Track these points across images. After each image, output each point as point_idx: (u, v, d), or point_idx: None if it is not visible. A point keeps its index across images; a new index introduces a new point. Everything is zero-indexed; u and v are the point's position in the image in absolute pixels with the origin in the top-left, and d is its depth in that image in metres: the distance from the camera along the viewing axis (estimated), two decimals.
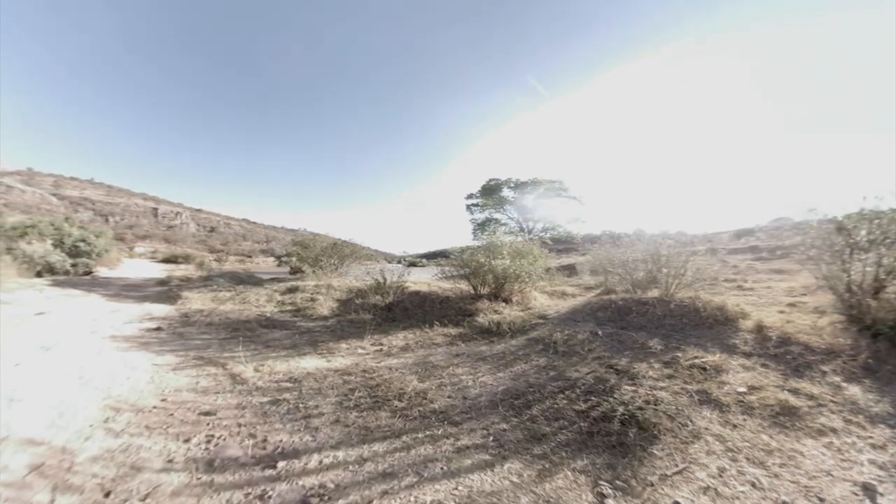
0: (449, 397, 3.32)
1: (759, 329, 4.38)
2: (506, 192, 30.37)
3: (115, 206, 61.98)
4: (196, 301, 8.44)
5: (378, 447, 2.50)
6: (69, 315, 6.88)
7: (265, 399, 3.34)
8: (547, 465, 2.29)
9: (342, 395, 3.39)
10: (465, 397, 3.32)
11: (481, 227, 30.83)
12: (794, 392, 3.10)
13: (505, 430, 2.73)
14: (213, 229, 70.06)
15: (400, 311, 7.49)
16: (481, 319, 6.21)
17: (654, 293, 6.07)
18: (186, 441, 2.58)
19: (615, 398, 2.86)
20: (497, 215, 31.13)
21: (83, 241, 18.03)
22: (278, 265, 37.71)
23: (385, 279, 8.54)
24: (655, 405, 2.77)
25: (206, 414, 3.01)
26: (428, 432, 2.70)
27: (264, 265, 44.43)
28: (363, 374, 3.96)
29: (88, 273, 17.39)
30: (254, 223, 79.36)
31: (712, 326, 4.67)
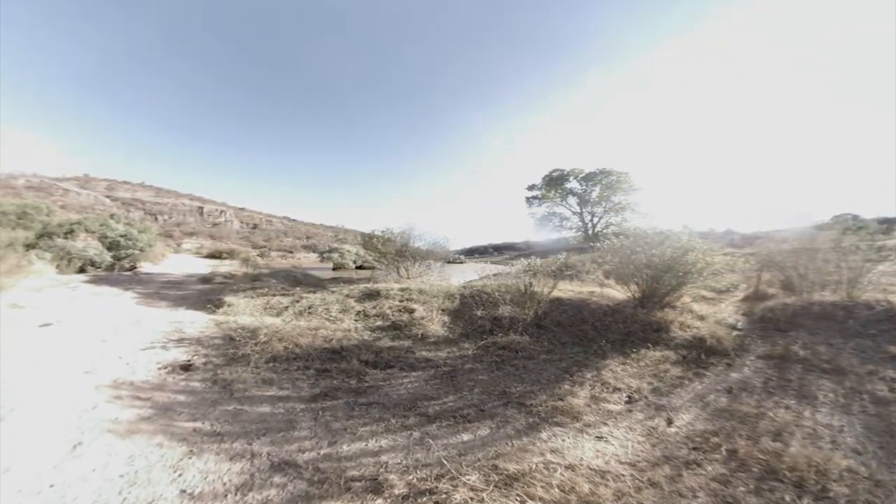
0: None
1: None
2: (571, 184, 27.76)
3: (163, 206, 63.78)
4: (243, 309, 6.26)
5: None
6: (75, 331, 4.99)
7: None
8: None
9: None
10: None
11: (543, 222, 28.40)
12: None
13: None
14: (255, 226, 70.50)
15: (555, 327, 5.05)
16: (675, 334, 4.88)
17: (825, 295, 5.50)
18: None
19: None
20: (558, 209, 28.59)
21: (126, 236, 17.32)
22: (321, 261, 37.32)
23: (531, 283, 6.11)
24: None
25: None
26: None
27: (306, 261, 43.95)
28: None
29: (132, 268, 16.59)
30: (294, 220, 79.47)
31: None
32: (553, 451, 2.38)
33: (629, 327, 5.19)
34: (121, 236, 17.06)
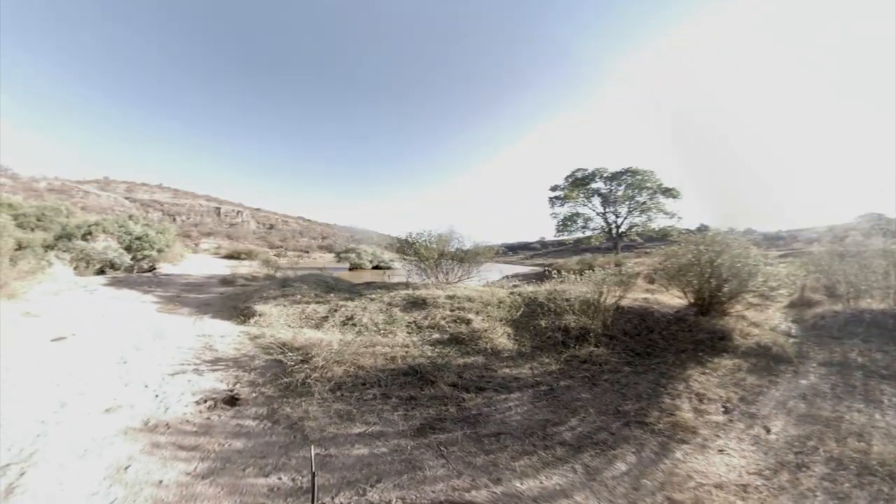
0: None
1: None
2: (596, 184, 26.81)
3: (181, 207, 64.31)
4: (277, 319, 5.51)
5: None
6: (92, 347, 4.29)
7: None
8: None
9: None
10: None
11: (566, 222, 27.41)
12: None
13: None
14: (271, 226, 70.67)
15: (624, 337, 4.84)
16: (739, 342, 4.75)
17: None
18: None
19: None
20: (582, 209, 27.62)
21: (144, 237, 16.96)
22: (338, 261, 36.96)
23: (603, 291, 5.43)
24: None
25: None
26: None
27: (322, 261, 43.71)
28: None
29: (151, 269, 16.19)
30: (309, 221, 79.53)
31: None
32: (696, 471, 2.42)
33: (695, 336, 4.98)
34: (139, 238, 16.66)
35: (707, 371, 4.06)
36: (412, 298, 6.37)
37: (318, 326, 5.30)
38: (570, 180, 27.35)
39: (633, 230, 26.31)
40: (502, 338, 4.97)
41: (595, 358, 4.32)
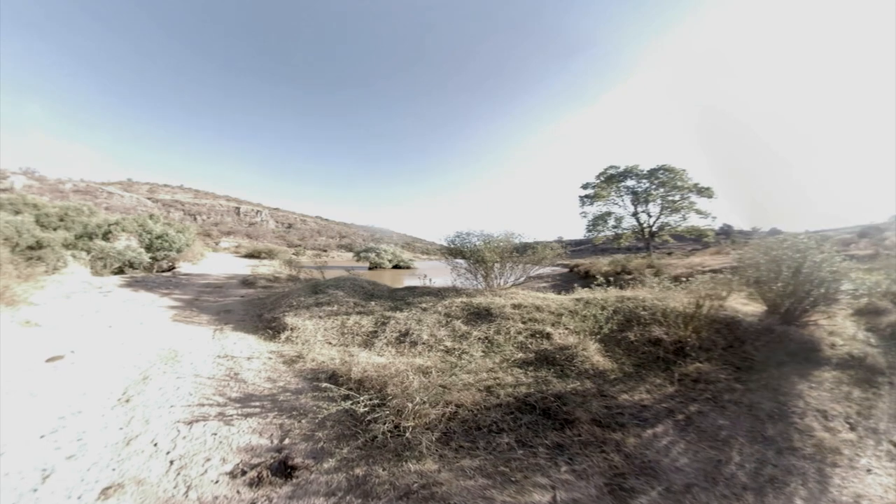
0: None
1: None
2: (629, 182, 25.58)
3: (201, 207, 64.99)
4: (314, 333, 4.58)
5: None
6: (90, 373, 3.37)
7: None
8: None
9: None
10: None
11: (597, 222, 26.18)
12: None
13: None
14: (290, 226, 70.84)
15: (718, 349, 4.24)
16: (828, 353, 4.28)
17: None
18: None
19: None
20: (614, 208, 26.35)
21: (164, 236, 16.41)
22: (357, 260, 36.40)
23: (703, 299, 4.69)
24: None
25: None
26: None
27: (339, 259, 43.31)
28: None
29: (171, 269, 15.60)
30: (327, 220, 79.31)
31: None
32: (860, 496, 2.34)
33: (787, 347, 4.61)
34: (159, 237, 16.10)
35: (813, 385, 3.84)
36: (472, 308, 5.28)
37: (366, 344, 4.25)
38: (602, 178, 26.03)
39: (666, 230, 24.93)
40: (597, 355, 4.08)
41: (704, 376, 3.87)
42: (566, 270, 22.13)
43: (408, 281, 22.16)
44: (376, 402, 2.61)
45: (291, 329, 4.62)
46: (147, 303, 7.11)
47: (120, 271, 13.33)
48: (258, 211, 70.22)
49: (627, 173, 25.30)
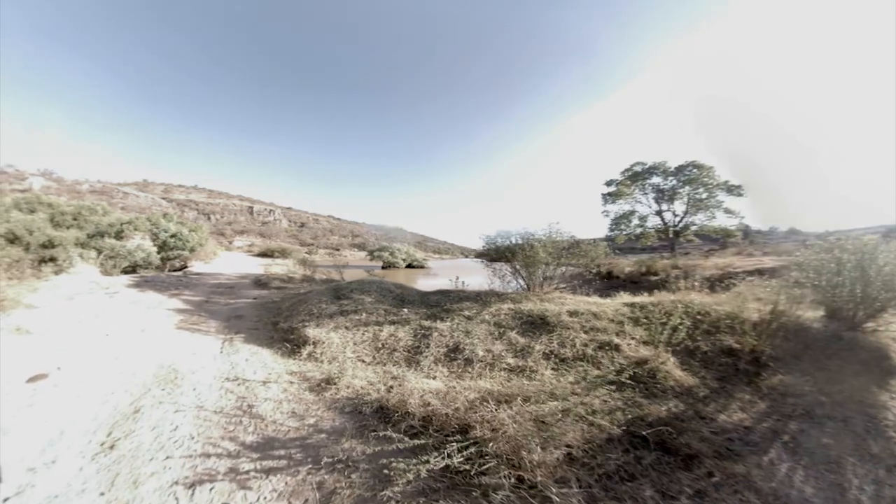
0: None
1: None
2: (654, 179, 24.42)
3: (215, 206, 65.27)
4: (342, 349, 3.86)
5: None
6: (75, 401, 2.73)
7: None
8: None
9: None
10: None
11: (620, 221, 25.09)
12: None
13: None
14: (303, 225, 70.85)
15: (789, 357, 3.77)
16: None
17: None
18: None
19: None
20: (638, 206, 25.22)
21: (177, 235, 16.00)
22: (371, 259, 35.87)
23: (781, 303, 4.38)
24: None
25: None
26: None
27: (352, 258, 42.90)
28: None
29: (182, 268, 15.16)
30: (339, 219, 79.42)
31: None
32: None
33: (858, 355, 4.33)
34: (172, 235, 15.69)
35: (894, 395, 3.63)
36: (523, 316, 4.49)
37: (409, 363, 3.50)
38: (627, 174, 24.86)
39: (691, 229, 23.76)
40: (676, 369, 3.56)
41: (791, 389, 3.66)
42: (578, 271, 21.30)
43: (423, 281, 21.51)
44: (470, 448, 1.86)
45: (314, 343, 3.87)
46: (153, 304, 6.50)
47: (132, 270, 12.91)
48: (271, 210, 70.32)
49: (653, 170, 24.19)
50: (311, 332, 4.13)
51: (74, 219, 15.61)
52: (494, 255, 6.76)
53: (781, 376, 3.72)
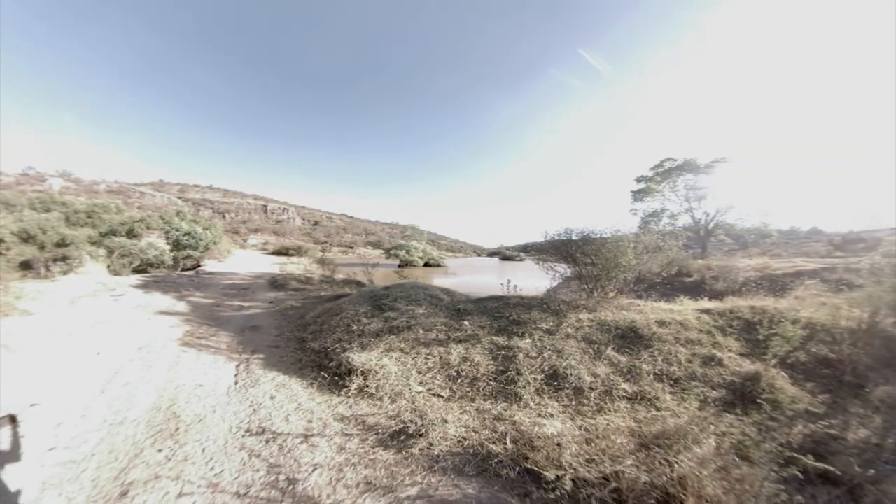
0: None
1: None
2: (686, 176, 23.24)
3: (230, 205, 65.50)
4: (402, 379, 2.95)
5: None
6: (45, 461, 1.82)
7: None
8: None
9: None
10: None
11: (649, 219, 23.93)
12: None
13: None
14: (316, 223, 70.94)
15: (887, 368, 3.29)
16: None
17: None
18: None
19: None
20: (669, 204, 24.01)
21: (191, 233, 15.41)
22: (387, 258, 35.19)
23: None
24: None
25: None
26: None
27: (368, 256, 42.27)
28: None
29: (195, 267, 14.53)
30: (352, 217, 79.63)
31: None
32: None
33: None
34: (186, 234, 15.08)
35: None
36: (612, 328, 3.54)
37: (504, 396, 2.55)
38: (657, 171, 23.72)
39: (724, 228, 22.52)
40: (788, 384, 3.16)
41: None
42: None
43: (444, 280, 20.61)
44: None
45: (363, 373, 2.95)
46: (160, 309, 5.71)
47: (143, 270, 12.27)
48: (285, 209, 70.34)
49: (685, 166, 23.04)
50: (357, 357, 3.18)
51: (88, 217, 15.14)
52: (553, 253, 5.77)
53: (885, 387, 3.47)
